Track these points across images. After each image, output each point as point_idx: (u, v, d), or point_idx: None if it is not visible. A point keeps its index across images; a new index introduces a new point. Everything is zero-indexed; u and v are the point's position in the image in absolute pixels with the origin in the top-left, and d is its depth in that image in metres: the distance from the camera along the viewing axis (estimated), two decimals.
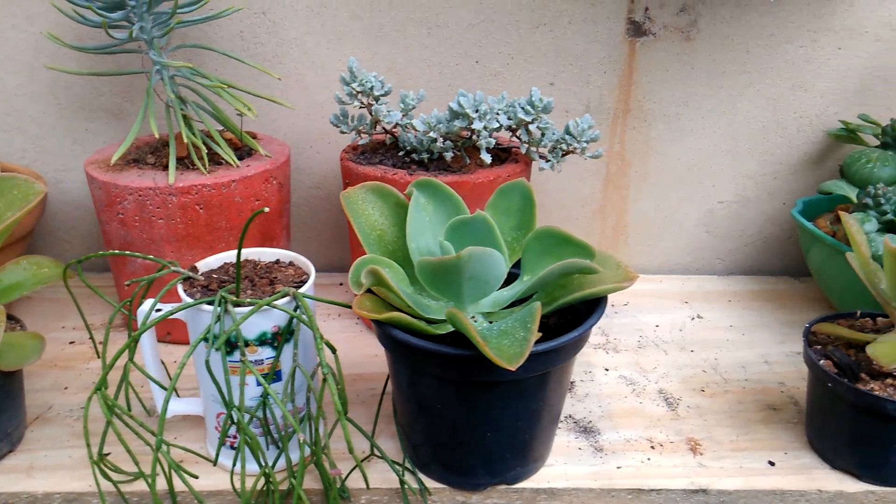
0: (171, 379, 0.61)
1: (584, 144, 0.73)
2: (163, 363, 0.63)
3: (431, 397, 0.54)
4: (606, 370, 0.74)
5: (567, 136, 0.72)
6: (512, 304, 0.58)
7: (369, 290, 0.55)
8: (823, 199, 0.85)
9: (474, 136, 0.68)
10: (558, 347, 0.50)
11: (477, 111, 0.67)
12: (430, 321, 0.53)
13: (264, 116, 0.88)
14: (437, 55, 0.85)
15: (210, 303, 0.52)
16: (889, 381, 0.57)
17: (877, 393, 0.55)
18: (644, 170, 0.91)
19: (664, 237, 0.95)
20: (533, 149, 0.74)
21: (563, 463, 0.61)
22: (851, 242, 0.58)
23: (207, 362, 0.51)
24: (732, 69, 0.86)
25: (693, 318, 0.85)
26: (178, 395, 0.68)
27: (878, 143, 0.82)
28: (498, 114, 0.70)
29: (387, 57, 0.85)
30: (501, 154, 0.78)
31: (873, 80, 0.86)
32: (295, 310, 0.53)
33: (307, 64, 0.85)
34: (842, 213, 0.60)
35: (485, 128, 0.67)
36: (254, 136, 0.82)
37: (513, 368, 0.44)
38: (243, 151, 0.79)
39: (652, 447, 0.63)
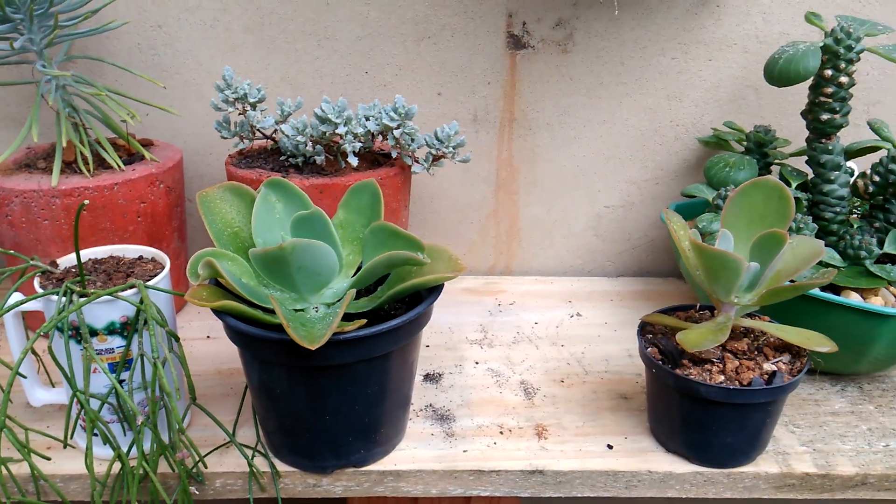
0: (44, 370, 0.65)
1: (452, 149, 0.77)
2: (35, 354, 0.66)
3: (272, 383, 0.58)
4: (476, 363, 0.78)
5: (436, 142, 0.77)
6: (370, 297, 0.61)
7: (218, 284, 0.59)
8: (698, 203, 0.89)
9: (342, 141, 0.72)
10: (378, 333, 0.54)
11: (340, 116, 0.71)
12: (266, 310, 0.57)
13: (165, 125, 0.91)
14: (328, 66, 0.89)
15: (57, 293, 0.56)
16: (707, 366, 0.61)
17: (692, 377, 0.59)
18: (532, 176, 0.96)
19: (556, 240, 0.99)
20: (406, 153, 0.78)
21: (413, 447, 0.65)
22: (673, 238, 0.63)
23: (50, 348, 0.54)
24: (609, 80, 0.91)
25: (572, 316, 0.89)
26: (53, 386, 0.71)
27: (742, 149, 0.87)
28: (368, 119, 0.74)
29: (280, 68, 0.89)
30: (381, 159, 0.82)
31: (744, 90, 0.91)
32: (141, 301, 0.57)
33: (203, 75, 0.89)
34: (666, 211, 0.65)
35: (349, 132, 0.71)
36: (150, 144, 0.86)
37: (312, 347, 0.47)
38: (136, 157, 0.82)
39: (501, 433, 0.67)
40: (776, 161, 0.84)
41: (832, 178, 0.77)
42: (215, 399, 0.71)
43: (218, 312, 0.55)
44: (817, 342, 0.60)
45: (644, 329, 0.67)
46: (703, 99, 0.92)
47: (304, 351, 0.51)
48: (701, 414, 0.60)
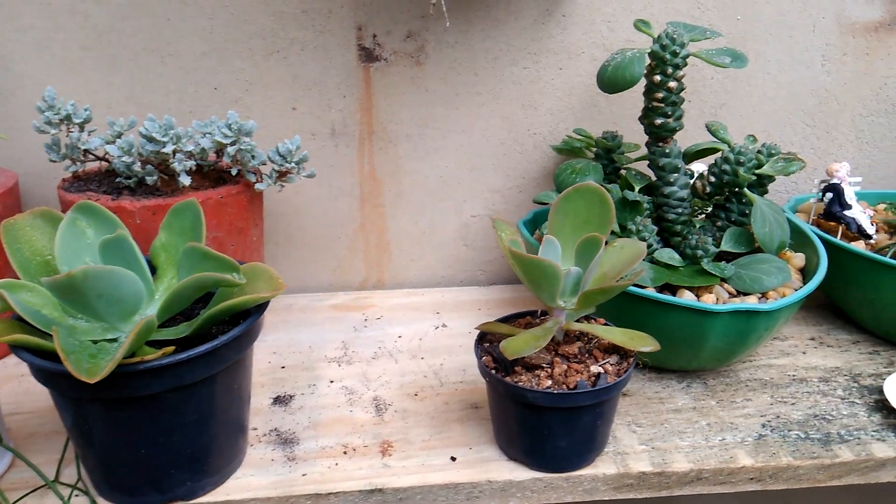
0: None
1: (294, 165, 0.75)
2: None
3: (81, 418, 0.55)
4: (332, 382, 0.77)
5: (278, 157, 0.75)
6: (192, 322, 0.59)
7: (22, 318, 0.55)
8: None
9: (172, 160, 0.70)
10: (184, 360, 0.52)
11: (167, 135, 0.68)
12: None
13: (3, 150, 0.86)
14: (175, 83, 0.87)
15: None
16: (538, 371, 0.61)
17: (521, 384, 0.59)
18: (397, 188, 0.95)
19: (426, 252, 0.99)
20: (249, 170, 0.76)
21: (250, 475, 0.62)
22: (502, 247, 0.63)
23: None
24: (465, 91, 0.91)
25: (437, 328, 0.88)
26: None
27: (593, 155, 0.89)
28: (204, 136, 0.72)
29: (124, 86, 0.86)
30: (227, 176, 0.80)
31: (595, 97, 0.93)
32: None
33: (41, 96, 0.85)
34: (494, 220, 0.65)
35: (177, 151, 0.69)
36: None
37: (91, 381, 0.45)
38: None
39: (344, 452, 0.65)
40: (624, 166, 0.86)
41: (672, 180, 0.79)
42: (48, 437, 0.67)
43: (12, 346, 0.52)
44: (641, 342, 0.61)
45: (483, 338, 0.66)
46: (556, 107, 0.94)
47: (101, 383, 0.48)
48: (532, 420, 0.60)
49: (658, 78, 0.74)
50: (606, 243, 0.65)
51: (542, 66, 0.91)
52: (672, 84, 0.74)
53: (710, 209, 0.85)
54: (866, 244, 0.86)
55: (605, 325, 0.68)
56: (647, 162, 0.81)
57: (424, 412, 0.71)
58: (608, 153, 0.86)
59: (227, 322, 0.61)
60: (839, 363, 0.80)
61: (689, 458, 0.65)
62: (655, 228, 0.77)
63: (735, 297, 0.74)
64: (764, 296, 0.73)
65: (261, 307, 0.59)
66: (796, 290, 0.72)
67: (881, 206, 0.93)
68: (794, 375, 0.78)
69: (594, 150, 0.88)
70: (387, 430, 0.69)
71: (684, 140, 0.91)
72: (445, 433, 0.68)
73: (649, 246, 0.77)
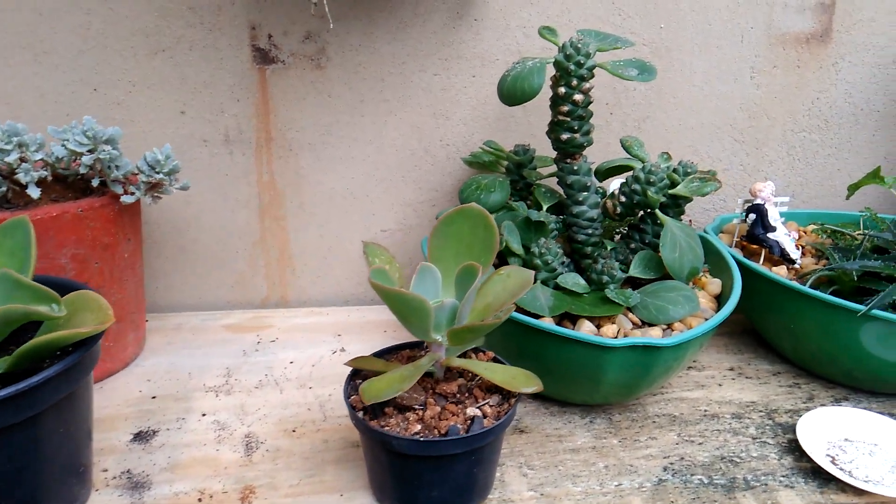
0: None
1: (165, 176, 0.68)
2: None
3: None
4: (203, 415, 0.70)
5: (146, 168, 0.68)
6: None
7: None
8: None
9: (18, 170, 0.63)
10: None
11: (10, 142, 0.61)
12: None
13: None
14: (50, 83, 0.79)
15: None
16: (409, 413, 0.55)
17: (386, 429, 0.53)
18: (299, 199, 0.89)
19: (333, 267, 0.93)
20: (116, 181, 0.69)
21: None
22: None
23: None
24: (371, 97, 0.85)
25: (335, 352, 0.82)
26: None
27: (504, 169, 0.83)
28: (62, 143, 0.65)
29: None
30: (93, 187, 0.72)
31: (512, 107, 0.88)
32: None
33: None
34: (365, 244, 0.59)
35: (24, 159, 0.62)
36: None
37: None
38: None
39: (199, 500, 0.59)
40: (535, 182, 0.80)
41: (581, 199, 0.74)
42: None
43: None
44: (524, 382, 0.55)
45: (357, 374, 0.60)
46: (470, 117, 0.88)
47: None
48: (401, 468, 0.54)
49: (563, 90, 0.68)
50: (495, 269, 0.59)
51: (453, 72, 0.85)
52: (577, 97, 0.68)
53: (626, 230, 0.80)
54: (789, 269, 0.81)
55: (494, 359, 0.62)
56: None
57: (299, 451, 0.65)
58: (519, 168, 0.81)
59: (59, 355, 0.54)
60: (756, 397, 0.75)
61: None
62: (560, 251, 0.72)
63: (640, 327, 0.68)
64: (670, 327, 0.68)
65: (88, 340, 0.52)
66: (706, 320, 0.67)
67: (811, 228, 0.89)
68: (706, 411, 0.73)
69: (506, 164, 0.82)
70: (253, 472, 0.62)
71: (607, 155, 0.87)
72: (318, 476, 0.62)
73: (553, 270, 0.71)
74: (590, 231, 0.75)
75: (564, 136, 0.71)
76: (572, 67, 0.67)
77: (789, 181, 0.96)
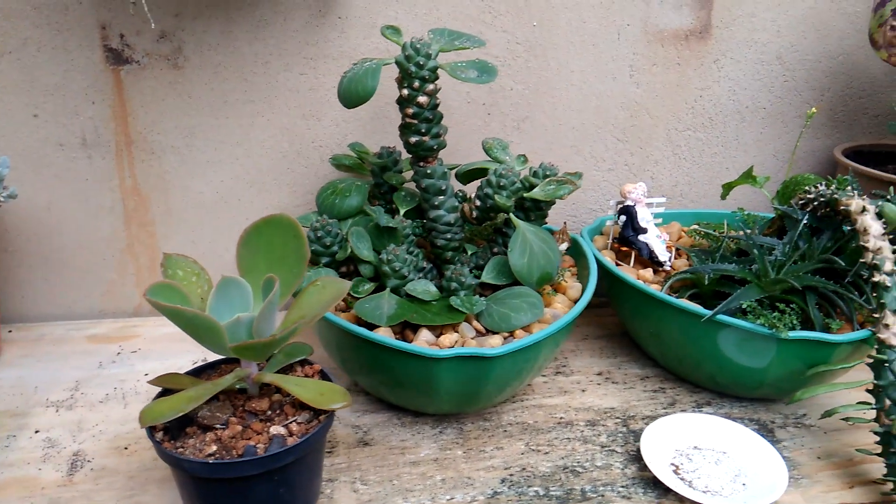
0: None
1: None
2: None
3: None
4: (36, 432, 0.67)
5: None
6: None
7: None
8: None
9: None
10: None
11: None
12: None
13: None
14: None
15: None
16: (209, 433, 0.53)
17: (178, 451, 0.51)
18: (167, 205, 0.86)
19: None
20: None
21: None
22: None
23: None
24: (235, 98, 0.82)
25: (195, 363, 0.79)
26: None
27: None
28: None
29: None
30: None
31: (385, 107, 0.85)
32: None
33: None
34: (166, 256, 0.56)
35: None
36: None
37: None
38: None
39: None
40: (398, 185, 0.78)
41: (437, 203, 0.72)
42: None
43: None
44: (332, 399, 0.53)
45: (167, 392, 0.58)
46: (342, 118, 0.85)
47: None
48: (198, 491, 0.52)
49: (406, 92, 0.66)
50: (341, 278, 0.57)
51: (321, 72, 0.83)
52: (422, 99, 0.66)
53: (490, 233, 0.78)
54: (658, 272, 0.79)
55: (321, 373, 0.60)
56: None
57: (125, 471, 0.62)
58: (383, 171, 0.78)
59: None
60: (616, 403, 0.74)
61: None
62: (410, 257, 0.70)
63: (484, 335, 0.66)
64: (512, 335, 0.66)
65: None
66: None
67: (694, 227, 0.87)
68: (561, 418, 0.71)
69: (371, 167, 0.80)
70: (69, 494, 0.60)
71: (485, 155, 0.85)
72: (137, 497, 0.59)
73: (403, 277, 0.69)
74: (449, 236, 0.73)
75: (413, 139, 0.68)
76: (413, 69, 0.65)
77: (677, 180, 0.95)
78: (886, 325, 0.62)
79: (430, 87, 0.66)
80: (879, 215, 0.65)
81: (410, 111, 0.67)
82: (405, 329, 0.67)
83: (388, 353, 0.61)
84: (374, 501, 0.60)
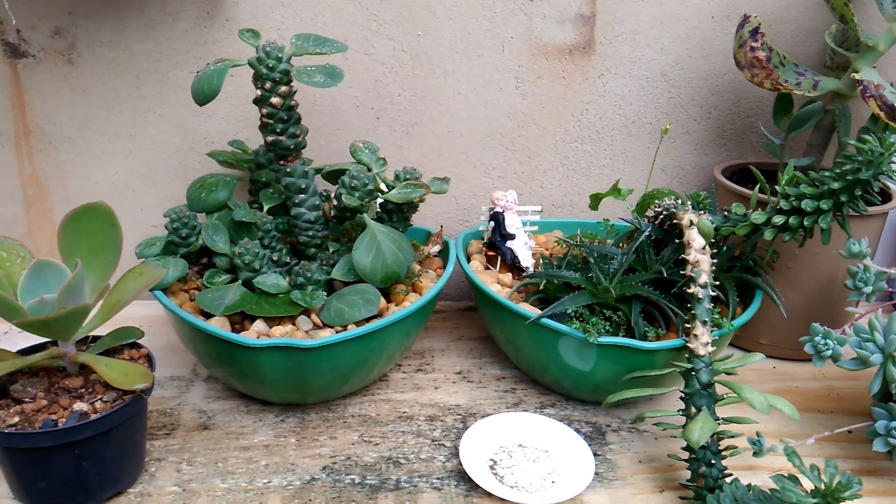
0: None
1: None
2: None
3: None
4: None
5: None
6: None
7: None
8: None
9: None
10: None
11: None
12: None
13: None
14: None
15: None
16: (17, 406, 0.56)
17: None
18: (65, 193, 0.90)
19: None
20: None
21: None
22: None
23: None
24: (127, 93, 0.86)
25: None
26: None
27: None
28: None
29: None
30: None
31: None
32: None
33: None
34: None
35: None
36: None
37: None
38: None
39: None
40: (270, 182, 0.81)
41: (297, 201, 0.75)
42: None
43: None
44: (133, 380, 0.56)
45: None
46: (233, 115, 0.89)
47: None
48: (9, 460, 0.56)
49: (260, 93, 0.69)
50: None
51: None
52: (275, 100, 0.69)
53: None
54: (518, 277, 0.82)
55: (147, 357, 0.63)
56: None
57: None
58: (259, 168, 0.82)
59: None
60: (463, 401, 0.76)
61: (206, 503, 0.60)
62: (263, 252, 0.73)
63: (321, 328, 0.69)
64: (346, 329, 0.69)
65: None
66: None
67: (556, 235, 0.90)
68: (404, 412, 0.74)
69: (248, 164, 0.83)
70: None
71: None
72: None
73: (255, 270, 0.72)
74: (311, 233, 0.76)
75: (270, 139, 0.72)
76: (264, 71, 0.68)
77: (566, 190, 0.97)
78: (696, 336, 0.64)
79: (284, 88, 0.70)
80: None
81: (265, 111, 0.70)
82: (245, 320, 0.70)
83: (217, 342, 0.64)
84: (194, 481, 0.63)
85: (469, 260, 0.85)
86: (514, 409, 0.75)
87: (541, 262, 0.79)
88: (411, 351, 0.86)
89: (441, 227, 0.88)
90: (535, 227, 0.88)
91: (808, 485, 0.52)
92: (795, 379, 0.83)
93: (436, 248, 0.84)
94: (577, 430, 0.71)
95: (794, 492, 0.47)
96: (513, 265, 0.82)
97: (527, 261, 0.82)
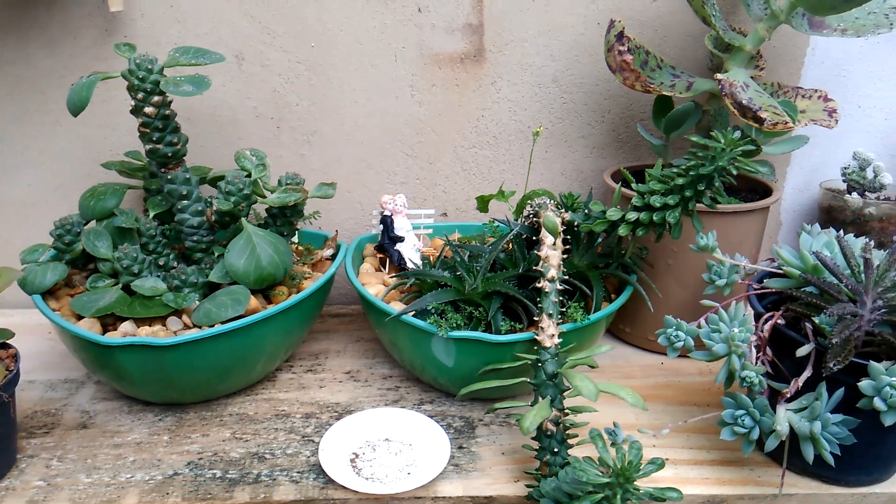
0: None
1: None
2: None
3: None
4: None
5: None
6: None
7: None
8: None
9: None
10: None
11: None
12: None
13: None
14: None
15: None
16: None
17: None
18: None
19: None
20: None
21: None
22: None
23: None
24: (34, 108, 0.90)
25: None
26: None
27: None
28: None
29: None
30: None
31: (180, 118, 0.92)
32: None
33: None
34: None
35: None
36: None
37: None
38: None
39: None
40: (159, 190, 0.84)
41: (181, 207, 0.78)
42: None
43: None
44: None
45: None
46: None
47: None
48: None
49: (134, 103, 0.73)
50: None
51: (112, 86, 0.90)
52: (148, 109, 0.72)
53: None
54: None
55: (13, 358, 0.66)
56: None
57: None
58: (152, 177, 0.85)
59: None
60: (344, 399, 0.78)
61: (71, 498, 0.63)
62: (143, 256, 0.76)
63: (191, 328, 0.72)
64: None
65: None
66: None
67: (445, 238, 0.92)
68: (282, 411, 0.76)
69: (142, 173, 0.86)
70: None
71: (280, 168, 0.92)
72: None
73: (134, 274, 0.75)
74: (196, 238, 0.79)
75: (148, 147, 0.75)
76: (136, 81, 0.71)
77: (468, 195, 0.99)
78: (542, 328, 0.66)
79: (157, 98, 0.73)
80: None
81: (140, 120, 0.73)
82: (118, 322, 0.73)
83: (83, 342, 0.66)
84: (60, 476, 0.65)
85: (363, 262, 0.87)
86: (392, 405, 0.77)
87: (421, 263, 0.81)
88: (305, 352, 0.88)
89: (336, 231, 0.90)
90: (430, 231, 0.90)
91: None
92: (680, 374, 0.85)
93: (329, 252, 0.87)
94: (449, 425, 0.73)
95: (585, 471, 0.49)
96: (400, 267, 0.84)
97: (414, 263, 0.84)
